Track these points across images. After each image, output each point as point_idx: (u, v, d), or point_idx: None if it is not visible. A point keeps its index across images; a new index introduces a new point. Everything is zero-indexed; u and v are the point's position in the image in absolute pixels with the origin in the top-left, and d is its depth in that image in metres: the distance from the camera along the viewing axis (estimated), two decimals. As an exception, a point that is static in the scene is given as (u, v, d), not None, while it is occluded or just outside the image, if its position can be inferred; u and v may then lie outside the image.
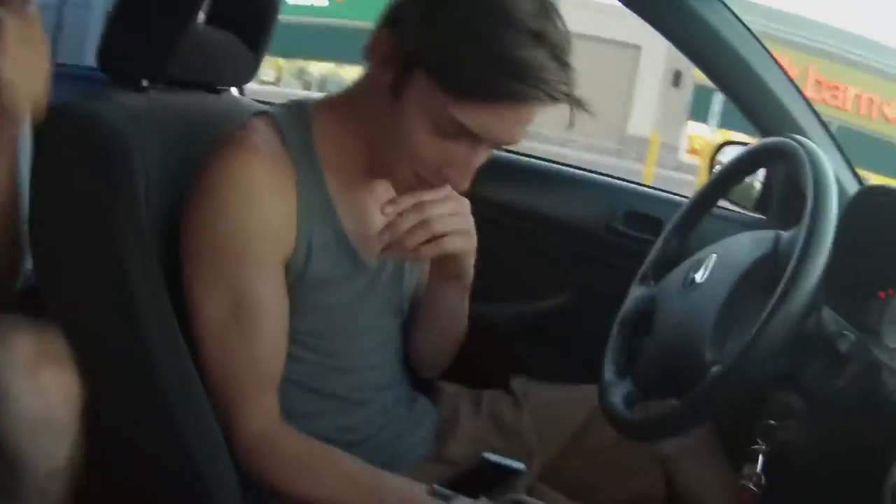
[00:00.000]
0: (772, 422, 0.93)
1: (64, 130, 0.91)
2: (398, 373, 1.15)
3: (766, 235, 1.03)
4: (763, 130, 1.34)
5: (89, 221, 0.92)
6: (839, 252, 0.99)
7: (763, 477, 0.94)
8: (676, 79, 17.69)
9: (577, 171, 1.69)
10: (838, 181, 1.25)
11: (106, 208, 0.90)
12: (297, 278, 0.98)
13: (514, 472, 0.95)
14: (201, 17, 1.16)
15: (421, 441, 1.15)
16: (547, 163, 1.70)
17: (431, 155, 0.91)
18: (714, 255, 1.05)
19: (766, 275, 0.95)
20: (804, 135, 1.22)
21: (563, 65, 0.87)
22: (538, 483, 1.14)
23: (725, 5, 1.35)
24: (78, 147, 0.91)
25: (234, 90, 1.40)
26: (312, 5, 17.14)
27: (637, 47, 17.24)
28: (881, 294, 0.98)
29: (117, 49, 1.00)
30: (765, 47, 1.36)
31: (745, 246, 1.04)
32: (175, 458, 0.93)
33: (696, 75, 15.13)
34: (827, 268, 0.86)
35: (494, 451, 0.96)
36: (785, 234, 0.99)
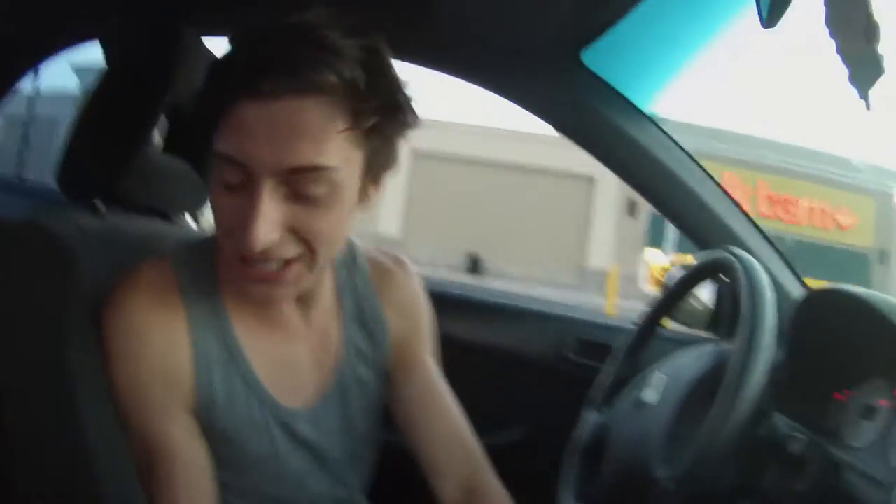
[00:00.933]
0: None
1: (15, 245, 0.91)
2: None
3: (709, 349, 1.04)
4: (705, 247, 1.37)
5: (39, 329, 0.88)
6: (791, 358, 1.00)
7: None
8: (631, 208, 18.05)
9: (527, 304, 1.71)
10: (782, 287, 1.29)
11: (55, 314, 0.87)
12: (206, 429, 0.89)
13: None
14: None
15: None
16: (498, 297, 1.72)
17: (225, 212, 0.82)
18: (661, 374, 1.06)
19: (712, 387, 0.95)
20: (745, 247, 1.26)
21: (290, 43, 0.77)
22: None
23: (664, 131, 1.42)
24: (29, 261, 0.90)
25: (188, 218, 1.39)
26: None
27: (590, 178, 17.67)
28: (837, 395, 0.98)
29: (73, 170, 1.01)
30: (702, 167, 1.42)
31: (690, 361, 1.05)
32: None
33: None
34: (780, 374, 0.86)
35: None
36: (727, 346, 1.00)
